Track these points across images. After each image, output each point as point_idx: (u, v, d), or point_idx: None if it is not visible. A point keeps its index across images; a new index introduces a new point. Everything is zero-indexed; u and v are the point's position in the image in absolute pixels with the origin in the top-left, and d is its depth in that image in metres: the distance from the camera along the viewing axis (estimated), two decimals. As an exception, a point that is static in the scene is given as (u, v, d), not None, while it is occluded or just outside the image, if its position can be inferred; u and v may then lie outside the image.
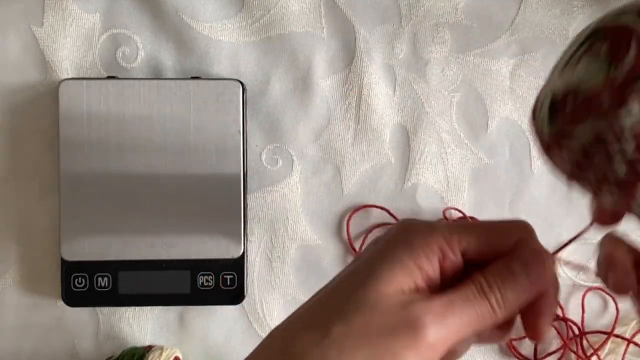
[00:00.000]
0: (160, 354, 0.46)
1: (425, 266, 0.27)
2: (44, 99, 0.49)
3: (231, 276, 0.48)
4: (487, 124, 0.51)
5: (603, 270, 0.29)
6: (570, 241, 0.29)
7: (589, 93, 0.24)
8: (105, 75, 0.49)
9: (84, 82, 0.47)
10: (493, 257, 0.28)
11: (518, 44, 0.51)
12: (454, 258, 0.27)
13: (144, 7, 0.50)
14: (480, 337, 0.29)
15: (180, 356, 0.48)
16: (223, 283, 0.48)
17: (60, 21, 0.49)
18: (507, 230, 0.28)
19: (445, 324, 0.25)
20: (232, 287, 0.48)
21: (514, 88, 0.51)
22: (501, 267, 0.27)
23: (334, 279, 0.28)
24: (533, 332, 0.28)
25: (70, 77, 0.49)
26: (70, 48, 0.49)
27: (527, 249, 0.28)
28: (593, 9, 0.50)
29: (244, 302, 0.49)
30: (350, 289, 0.26)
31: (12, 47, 0.49)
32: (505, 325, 0.28)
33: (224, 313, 0.50)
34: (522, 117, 0.51)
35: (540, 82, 0.51)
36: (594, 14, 0.50)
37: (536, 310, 0.28)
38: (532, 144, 0.51)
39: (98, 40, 0.50)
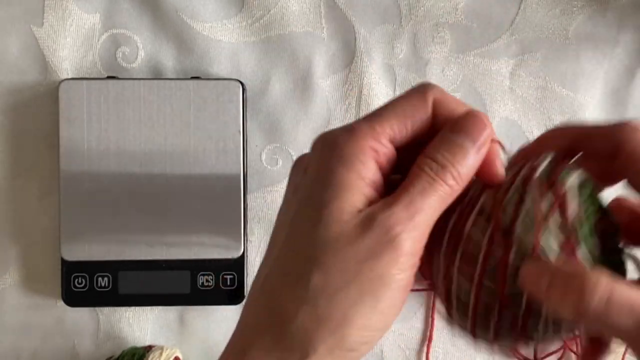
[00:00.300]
0: (160, 354, 0.46)
1: (365, 173, 0.25)
2: (44, 99, 0.49)
3: (231, 276, 0.48)
4: (487, 124, 0.51)
5: None
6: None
7: None
8: (105, 75, 0.49)
9: (84, 82, 0.47)
10: (417, 133, 0.27)
11: (518, 44, 0.51)
12: (386, 149, 0.26)
13: (144, 7, 0.50)
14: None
15: (180, 356, 0.48)
16: (223, 283, 0.48)
17: (60, 21, 0.49)
18: (419, 95, 0.27)
19: (415, 226, 0.24)
20: (232, 287, 0.48)
21: (514, 88, 0.51)
22: (445, 142, 0.26)
23: (284, 219, 0.27)
24: (491, 179, 0.27)
25: (70, 77, 0.49)
26: (70, 48, 0.49)
27: (465, 116, 0.27)
28: (593, 9, 0.50)
29: (244, 302, 0.49)
30: (309, 229, 0.25)
31: (12, 47, 0.49)
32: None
33: (224, 313, 0.50)
34: (522, 117, 0.51)
35: (540, 82, 0.51)
36: (594, 14, 0.50)
37: (487, 162, 0.27)
38: (532, 144, 0.51)
39: (98, 40, 0.50)
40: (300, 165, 0.28)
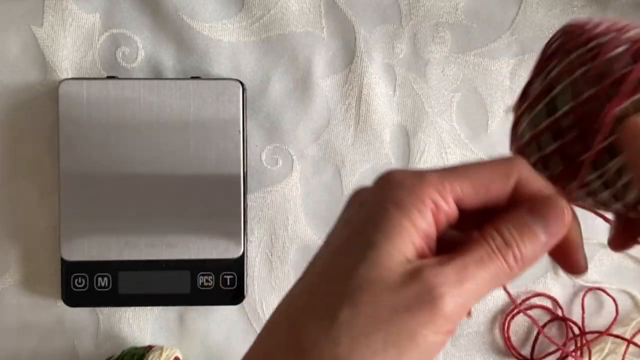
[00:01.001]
0: (160, 354, 0.46)
1: (420, 224, 0.24)
2: (44, 99, 0.49)
3: (231, 276, 0.48)
4: (487, 124, 0.51)
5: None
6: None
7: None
8: (105, 75, 0.49)
9: (84, 82, 0.47)
10: (489, 203, 0.26)
11: (518, 44, 0.51)
12: (448, 208, 0.25)
13: (144, 7, 0.50)
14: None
15: (180, 356, 0.48)
16: (223, 283, 0.48)
17: (60, 21, 0.49)
18: (503, 170, 0.25)
19: (461, 292, 0.23)
20: (232, 287, 0.48)
21: (514, 88, 0.51)
22: (517, 221, 0.25)
23: (325, 251, 0.26)
24: (572, 268, 0.26)
25: (70, 77, 0.49)
26: (70, 48, 0.49)
27: (546, 200, 0.25)
28: (593, 9, 0.50)
29: (244, 302, 0.49)
30: (349, 267, 0.24)
31: (12, 47, 0.49)
32: None
33: (224, 313, 0.50)
34: (522, 117, 0.51)
35: (540, 82, 0.51)
36: (594, 14, 0.50)
37: (565, 249, 0.26)
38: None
39: (98, 40, 0.50)
40: (358, 197, 0.27)
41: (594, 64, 0.23)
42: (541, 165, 0.25)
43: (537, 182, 0.26)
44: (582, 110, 0.23)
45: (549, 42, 0.26)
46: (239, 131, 0.47)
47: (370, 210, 0.25)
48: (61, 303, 0.48)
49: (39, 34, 0.49)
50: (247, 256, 0.49)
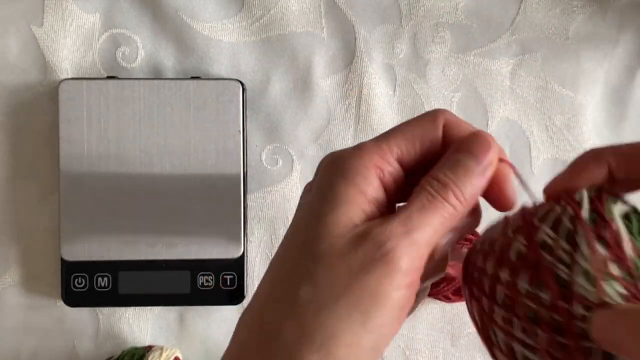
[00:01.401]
0: (160, 354, 0.46)
1: (366, 189, 0.24)
2: (44, 99, 0.49)
3: (231, 276, 0.48)
4: (487, 124, 0.51)
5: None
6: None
7: None
8: (105, 75, 0.49)
9: (84, 82, 0.47)
10: (427, 156, 0.26)
11: (518, 44, 0.51)
12: (392, 168, 0.25)
13: (144, 7, 0.50)
14: (455, 232, 0.27)
15: (180, 356, 0.48)
16: (223, 283, 0.48)
17: (60, 21, 0.49)
18: (429, 118, 0.26)
19: (412, 242, 0.23)
20: (232, 287, 0.48)
21: (514, 88, 0.51)
22: (450, 162, 0.25)
23: (283, 239, 0.26)
24: (502, 205, 0.27)
25: (70, 77, 0.49)
26: (70, 48, 0.49)
27: (469, 136, 0.26)
28: (593, 9, 0.50)
29: (244, 302, 0.49)
30: (303, 242, 0.24)
31: (12, 47, 0.49)
32: (472, 212, 0.27)
33: (224, 313, 0.50)
34: (522, 117, 0.51)
35: (540, 82, 0.51)
36: (594, 14, 0.50)
37: (496, 186, 0.26)
38: (532, 144, 0.51)
39: (98, 40, 0.50)
40: (306, 187, 0.28)
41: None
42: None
43: (463, 124, 0.27)
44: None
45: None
46: (239, 131, 0.47)
47: (317, 188, 0.25)
48: (61, 303, 0.48)
49: (39, 34, 0.49)
50: (247, 256, 0.49)
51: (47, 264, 0.49)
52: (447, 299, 0.48)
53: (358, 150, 0.25)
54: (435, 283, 0.48)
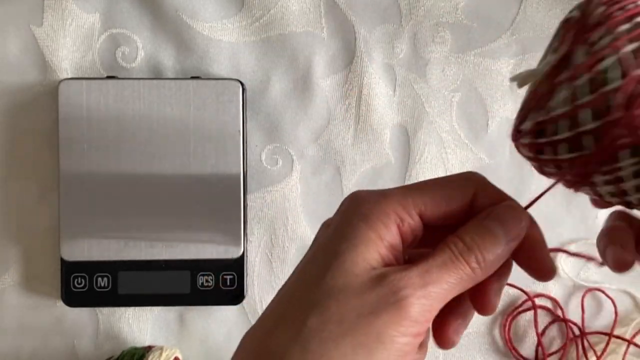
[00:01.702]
0: (160, 354, 0.46)
1: (385, 235, 0.25)
2: (44, 99, 0.49)
3: (231, 276, 0.48)
4: (487, 124, 0.51)
5: (602, 245, 0.28)
6: (539, 197, 0.28)
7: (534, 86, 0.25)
8: (105, 75, 0.49)
9: (84, 82, 0.47)
10: (451, 216, 0.27)
11: (518, 44, 0.51)
12: (412, 221, 0.26)
13: (143, 7, 0.49)
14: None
15: (180, 356, 0.48)
16: (223, 283, 0.48)
17: (60, 21, 0.49)
18: (461, 183, 0.27)
19: (425, 294, 0.24)
20: (232, 287, 0.48)
21: (514, 88, 0.51)
22: (477, 226, 0.26)
23: (296, 269, 0.27)
24: (539, 271, 0.27)
25: (69, 77, 0.49)
26: (70, 48, 0.49)
27: (503, 206, 0.27)
28: (593, 9, 0.50)
29: (244, 302, 0.49)
30: (317, 276, 0.25)
31: (12, 47, 0.49)
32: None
33: (224, 313, 0.50)
34: (522, 117, 0.51)
35: (541, 82, 0.51)
36: (594, 14, 0.50)
37: (530, 253, 0.27)
38: (532, 144, 0.51)
39: (98, 40, 0.50)
40: (326, 223, 0.28)
41: None
42: (570, 143, 0.24)
43: (494, 191, 0.27)
44: (631, 89, 0.22)
45: (585, 10, 0.25)
46: (239, 131, 0.47)
47: (337, 226, 0.26)
48: (61, 303, 0.48)
49: (39, 34, 0.49)
50: (247, 256, 0.49)
51: (47, 264, 0.49)
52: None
53: (383, 197, 0.26)
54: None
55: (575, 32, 0.24)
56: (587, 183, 0.25)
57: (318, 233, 0.28)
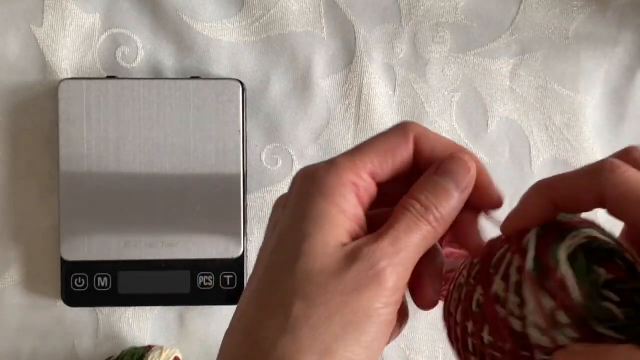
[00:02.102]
0: (160, 354, 0.46)
1: (347, 207, 0.25)
2: (44, 99, 0.49)
3: (231, 276, 0.48)
4: (487, 124, 0.51)
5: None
6: None
7: None
8: (105, 75, 0.49)
9: (84, 82, 0.47)
10: (400, 170, 0.27)
11: (518, 44, 0.51)
12: (366, 184, 0.26)
13: (144, 7, 0.50)
14: None
15: (180, 356, 0.48)
16: (223, 283, 0.48)
17: (60, 21, 0.49)
18: (400, 132, 0.28)
19: (400, 262, 0.25)
20: (232, 287, 0.48)
21: (514, 88, 0.51)
22: (429, 184, 0.27)
23: (262, 256, 0.27)
24: (490, 203, 0.28)
25: (70, 77, 0.49)
26: (70, 48, 0.49)
27: (449, 158, 0.27)
28: (593, 9, 0.50)
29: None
30: (290, 260, 0.25)
31: (12, 47, 0.49)
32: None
33: (224, 313, 0.50)
34: (522, 117, 0.51)
35: (541, 82, 0.51)
36: (594, 14, 0.50)
37: (479, 193, 0.28)
38: (532, 144, 0.51)
39: (98, 40, 0.50)
40: (280, 202, 0.28)
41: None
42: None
43: (433, 138, 0.28)
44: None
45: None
46: (239, 131, 0.47)
47: (295, 205, 0.26)
48: (61, 303, 0.48)
49: (39, 34, 0.49)
50: (247, 256, 0.49)
51: (47, 264, 0.49)
52: (447, 299, 0.48)
53: (333, 167, 0.26)
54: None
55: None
56: None
57: (274, 214, 0.28)
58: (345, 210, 0.25)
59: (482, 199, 0.28)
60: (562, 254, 0.24)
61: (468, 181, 0.27)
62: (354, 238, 0.26)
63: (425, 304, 0.28)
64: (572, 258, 0.24)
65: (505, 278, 0.24)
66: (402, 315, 0.28)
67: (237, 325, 0.26)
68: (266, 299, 0.25)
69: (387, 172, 0.27)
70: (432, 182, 0.27)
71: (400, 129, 0.28)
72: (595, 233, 0.25)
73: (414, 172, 0.28)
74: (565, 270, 0.23)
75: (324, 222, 0.25)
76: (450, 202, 0.26)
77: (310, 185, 0.26)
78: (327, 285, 0.24)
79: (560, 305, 0.23)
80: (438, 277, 0.28)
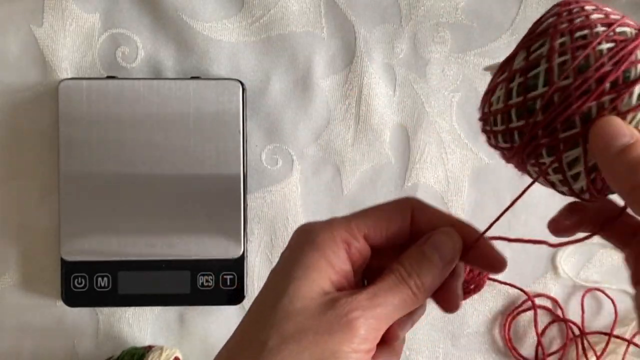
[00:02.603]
0: (160, 354, 0.46)
1: (335, 261, 0.28)
2: (44, 99, 0.49)
3: (231, 276, 0.48)
4: (487, 124, 0.51)
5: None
6: (498, 217, 0.31)
7: None
8: (105, 75, 0.49)
9: (84, 82, 0.47)
10: (396, 238, 0.30)
11: (518, 44, 0.50)
12: (359, 244, 0.29)
13: (144, 7, 0.50)
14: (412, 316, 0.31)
15: (180, 356, 0.48)
16: (223, 283, 0.48)
17: (60, 21, 0.49)
18: (398, 206, 0.30)
19: (373, 315, 0.27)
20: (232, 287, 0.48)
21: (514, 88, 0.51)
22: (416, 253, 0.29)
23: (255, 299, 0.29)
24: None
25: (70, 77, 0.49)
26: (70, 48, 0.49)
27: (438, 233, 0.29)
28: (593, 9, 0.50)
29: (244, 302, 0.49)
30: (275, 299, 0.27)
31: (12, 47, 0.49)
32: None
33: (224, 313, 0.50)
34: (522, 117, 0.51)
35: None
36: (594, 14, 0.50)
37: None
38: (532, 144, 0.51)
39: (98, 40, 0.50)
40: (283, 251, 0.31)
41: (574, 55, 0.25)
42: (504, 136, 0.27)
43: (430, 211, 0.30)
44: (551, 98, 0.25)
45: (540, 18, 0.27)
46: (239, 131, 0.47)
47: (290, 255, 0.29)
48: (61, 303, 0.48)
49: (39, 34, 0.49)
50: (247, 256, 0.49)
51: (47, 264, 0.49)
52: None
53: (329, 225, 0.29)
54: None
55: (523, 37, 0.27)
56: (526, 171, 0.28)
57: (276, 264, 0.31)
58: (333, 264, 0.28)
59: (484, 264, 0.30)
60: None
61: (452, 255, 0.29)
62: (339, 289, 0.28)
63: (450, 310, 0.31)
64: None
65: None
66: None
67: (222, 352, 0.28)
68: (248, 331, 0.28)
69: (381, 238, 0.30)
70: (419, 252, 0.29)
71: (400, 202, 0.30)
72: None
73: (414, 240, 0.30)
74: None
75: (312, 270, 0.28)
76: (433, 272, 0.29)
77: (306, 238, 0.29)
78: (303, 324, 0.26)
79: None
80: (458, 289, 0.31)
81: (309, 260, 0.28)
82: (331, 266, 0.28)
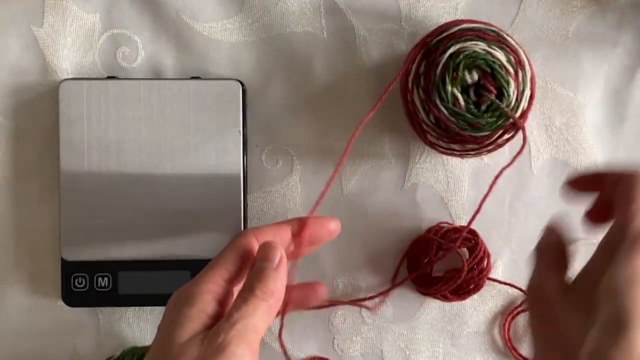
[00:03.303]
0: (160, 354, 0.46)
1: (205, 308, 0.34)
2: (44, 99, 0.49)
3: (231, 276, 0.48)
4: (487, 124, 0.51)
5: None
6: (320, 197, 0.38)
7: None
8: (105, 76, 0.49)
9: (84, 82, 0.47)
10: (243, 271, 0.37)
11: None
12: (222, 289, 0.35)
13: (144, 7, 0.50)
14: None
15: (180, 356, 0.48)
16: (223, 283, 0.48)
17: (60, 21, 0.49)
18: (230, 245, 0.37)
19: (238, 332, 0.32)
20: (232, 287, 0.48)
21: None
22: (253, 270, 0.35)
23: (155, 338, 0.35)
24: (330, 234, 0.40)
25: (70, 77, 0.49)
26: (70, 48, 0.49)
27: (261, 245, 0.36)
28: (593, 9, 0.50)
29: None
30: (159, 354, 0.33)
31: (12, 47, 0.49)
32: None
33: (224, 313, 0.50)
34: (522, 117, 0.51)
35: (540, 82, 0.51)
36: (594, 14, 0.50)
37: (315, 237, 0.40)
38: (531, 144, 0.51)
39: (98, 40, 0.50)
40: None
41: None
42: None
43: (266, 230, 0.38)
44: None
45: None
46: (239, 131, 0.47)
47: (168, 316, 0.34)
48: (61, 303, 0.48)
49: (39, 34, 0.49)
50: (247, 256, 0.49)
51: (47, 264, 0.49)
52: (446, 299, 0.49)
53: (194, 282, 0.35)
54: (434, 283, 0.48)
55: None
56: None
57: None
58: (204, 310, 0.34)
59: (322, 234, 0.40)
60: None
61: (278, 256, 0.35)
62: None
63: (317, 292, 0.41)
64: None
65: None
66: None
67: None
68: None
69: (240, 273, 0.36)
70: (254, 268, 0.35)
71: (231, 242, 0.37)
72: None
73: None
74: None
75: (185, 320, 0.33)
76: (269, 275, 0.35)
77: (180, 298, 0.35)
78: (190, 356, 0.32)
79: None
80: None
81: (183, 313, 0.34)
82: (204, 313, 0.34)
